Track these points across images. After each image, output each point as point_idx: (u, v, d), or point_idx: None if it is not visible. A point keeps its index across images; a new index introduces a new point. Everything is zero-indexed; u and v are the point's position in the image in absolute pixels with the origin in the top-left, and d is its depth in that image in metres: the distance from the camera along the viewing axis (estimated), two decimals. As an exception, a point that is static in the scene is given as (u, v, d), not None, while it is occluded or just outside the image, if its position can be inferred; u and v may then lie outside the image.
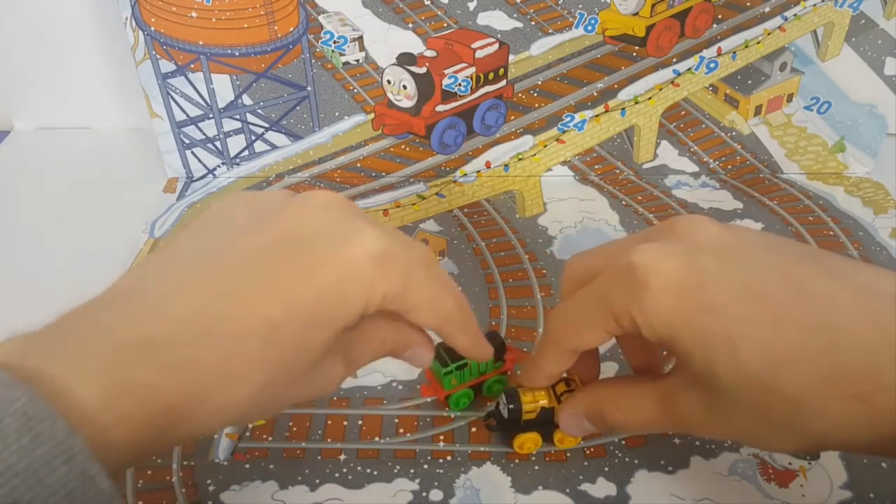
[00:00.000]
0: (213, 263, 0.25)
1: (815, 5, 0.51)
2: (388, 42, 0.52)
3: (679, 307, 0.26)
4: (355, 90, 0.54)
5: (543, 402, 0.34)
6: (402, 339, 0.30)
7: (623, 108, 0.55)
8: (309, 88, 0.54)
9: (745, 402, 0.26)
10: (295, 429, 0.38)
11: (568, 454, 0.36)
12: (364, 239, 0.26)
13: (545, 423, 0.34)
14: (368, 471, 0.36)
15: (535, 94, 0.55)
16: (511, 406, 0.34)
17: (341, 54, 0.53)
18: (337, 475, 0.35)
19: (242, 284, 0.24)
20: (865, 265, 0.28)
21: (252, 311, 0.24)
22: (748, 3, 0.51)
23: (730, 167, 0.58)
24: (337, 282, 0.25)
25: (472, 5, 0.51)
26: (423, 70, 0.53)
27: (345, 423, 0.38)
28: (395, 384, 0.40)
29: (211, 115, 0.55)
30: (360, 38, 0.52)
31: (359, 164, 0.57)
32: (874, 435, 0.24)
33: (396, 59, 0.53)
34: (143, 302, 0.24)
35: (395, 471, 0.36)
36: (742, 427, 0.27)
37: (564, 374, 0.34)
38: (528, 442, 0.35)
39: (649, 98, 0.55)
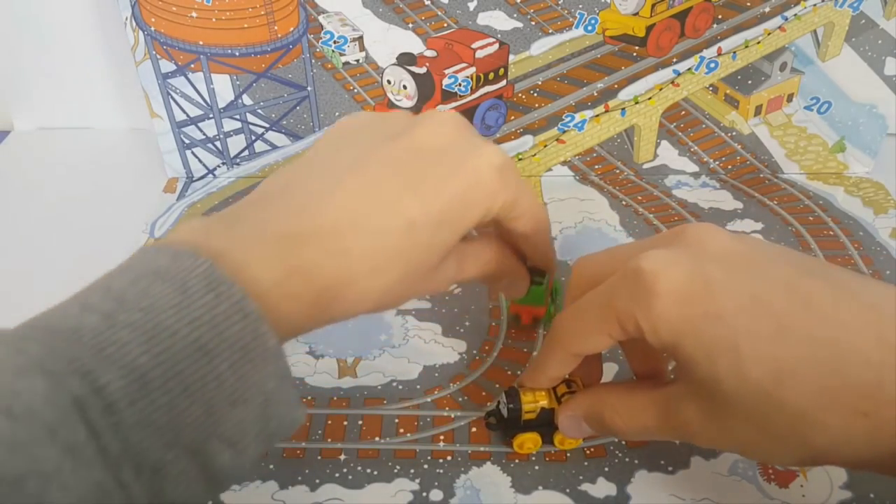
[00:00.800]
0: (357, 169, 0.27)
1: (815, 5, 0.51)
2: (388, 42, 0.52)
3: (684, 314, 0.26)
4: (355, 90, 0.54)
5: (543, 403, 0.34)
6: (505, 266, 0.34)
7: (623, 108, 0.55)
8: (309, 88, 0.54)
9: (746, 413, 0.26)
10: (295, 429, 0.38)
11: (568, 454, 0.36)
12: (487, 152, 0.29)
13: (545, 424, 0.34)
14: (368, 471, 0.36)
15: (535, 94, 0.55)
16: (511, 405, 0.34)
17: (341, 54, 0.53)
18: (337, 475, 0.35)
19: (385, 188, 0.27)
20: (873, 281, 0.27)
21: (394, 212, 0.27)
22: (748, 3, 0.51)
23: (730, 167, 0.58)
24: (465, 189, 0.28)
25: (472, 5, 0.51)
26: (423, 70, 0.53)
27: (345, 423, 0.38)
28: (395, 384, 0.40)
29: (211, 115, 0.55)
30: (360, 38, 0.52)
31: (359, 164, 0.57)
32: (874, 451, 0.24)
33: (396, 59, 0.53)
34: (295, 201, 0.27)
35: (395, 471, 0.36)
36: (743, 438, 0.27)
37: (566, 376, 0.34)
38: (528, 442, 0.35)
39: (649, 98, 0.55)
